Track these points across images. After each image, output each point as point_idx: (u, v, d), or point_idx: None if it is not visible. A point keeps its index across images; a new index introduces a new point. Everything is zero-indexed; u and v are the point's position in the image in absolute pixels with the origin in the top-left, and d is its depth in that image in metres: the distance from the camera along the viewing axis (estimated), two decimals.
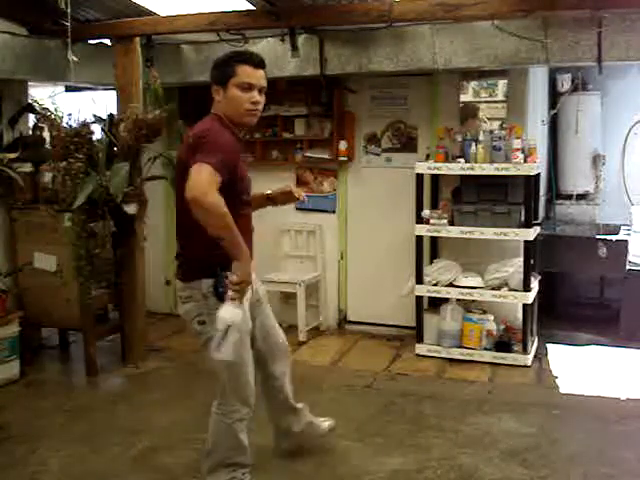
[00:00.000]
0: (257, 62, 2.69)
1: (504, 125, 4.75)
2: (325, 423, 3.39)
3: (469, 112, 4.96)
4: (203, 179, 2.42)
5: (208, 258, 2.62)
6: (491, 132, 4.70)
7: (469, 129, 4.80)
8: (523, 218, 4.59)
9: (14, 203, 4.75)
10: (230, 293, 2.54)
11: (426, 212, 4.81)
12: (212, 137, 2.59)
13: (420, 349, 4.91)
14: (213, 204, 2.41)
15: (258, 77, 2.68)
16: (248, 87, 2.66)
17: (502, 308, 4.87)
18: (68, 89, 6.40)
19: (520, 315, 4.73)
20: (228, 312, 2.54)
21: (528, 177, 4.55)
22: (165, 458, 3.44)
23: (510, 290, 4.68)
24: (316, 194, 5.50)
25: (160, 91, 4.74)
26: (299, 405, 3.27)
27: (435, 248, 5.17)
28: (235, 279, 2.53)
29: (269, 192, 3.14)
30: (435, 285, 4.82)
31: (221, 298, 2.60)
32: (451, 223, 4.77)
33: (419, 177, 4.83)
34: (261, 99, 2.70)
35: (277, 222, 5.61)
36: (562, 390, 4.30)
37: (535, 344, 4.95)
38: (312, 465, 3.34)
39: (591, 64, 4.34)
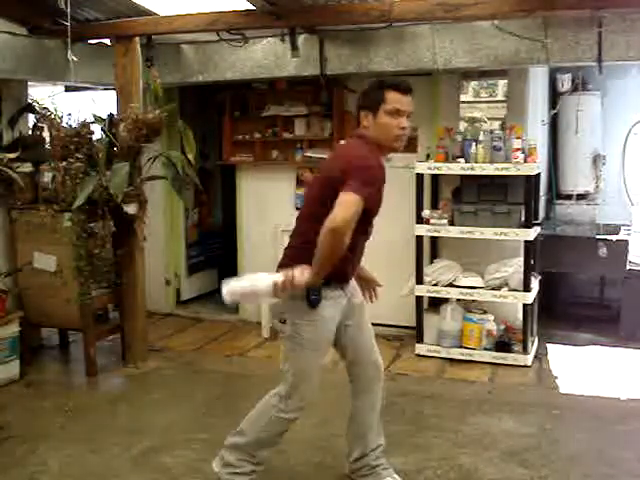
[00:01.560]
0: (405, 88, 2.72)
1: (504, 125, 4.75)
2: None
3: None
4: (349, 215, 2.51)
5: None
6: (491, 132, 4.69)
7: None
8: (523, 218, 4.59)
9: (14, 203, 4.75)
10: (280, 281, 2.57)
11: (426, 212, 4.81)
12: (369, 167, 2.64)
13: (420, 349, 4.91)
14: (344, 242, 2.53)
15: (406, 103, 2.71)
16: (397, 113, 2.68)
17: (502, 308, 4.87)
18: (68, 89, 6.40)
19: (520, 315, 4.73)
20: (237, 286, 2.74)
21: (528, 177, 4.55)
22: (165, 458, 3.44)
23: (510, 290, 4.68)
24: None
25: (160, 91, 4.74)
26: (372, 445, 3.05)
27: (435, 248, 5.17)
28: (294, 275, 2.55)
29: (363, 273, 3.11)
30: (435, 285, 4.82)
31: (312, 305, 2.69)
32: (451, 223, 4.77)
33: (419, 177, 4.83)
34: (408, 124, 2.73)
35: (277, 222, 5.61)
36: (562, 390, 4.30)
37: (535, 344, 4.95)
38: (312, 465, 3.34)
39: (591, 64, 4.34)
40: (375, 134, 2.72)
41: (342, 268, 2.73)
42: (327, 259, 2.55)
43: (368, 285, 3.11)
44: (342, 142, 3.23)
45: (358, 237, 2.68)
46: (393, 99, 2.68)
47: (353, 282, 2.96)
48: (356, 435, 3.06)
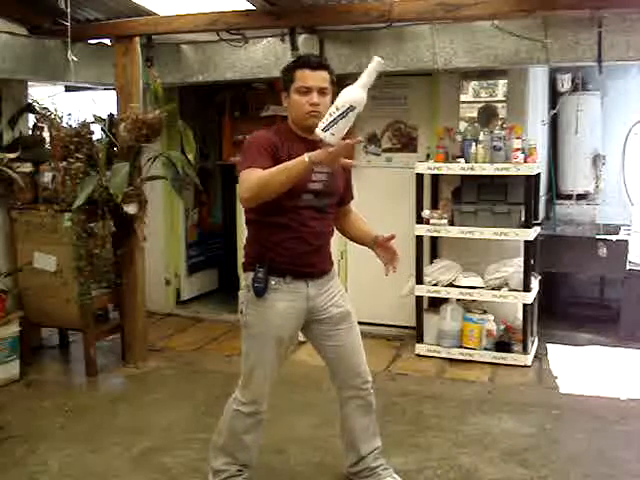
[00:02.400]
0: (314, 64, 2.70)
1: (504, 125, 4.75)
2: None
3: (490, 112, 4.93)
4: (244, 188, 2.54)
5: (253, 254, 2.76)
6: (491, 132, 4.70)
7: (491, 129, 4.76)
8: (523, 218, 4.59)
9: (14, 203, 4.75)
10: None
11: (426, 212, 4.81)
12: (251, 143, 2.66)
13: (420, 349, 4.91)
14: (252, 189, 2.51)
15: (316, 79, 2.67)
16: (306, 90, 2.66)
17: (502, 308, 4.87)
18: (68, 89, 6.40)
19: (520, 315, 4.73)
20: (353, 93, 2.56)
21: (528, 177, 4.55)
22: (165, 458, 3.44)
23: (510, 290, 4.68)
24: None
25: (160, 91, 4.74)
26: (366, 450, 3.00)
27: (435, 248, 5.17)
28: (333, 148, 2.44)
29: (377, 236, 2.98)
30: (435, 285, 4.82)
31: (257, 294, 2.67)
32: (451, 223, 4.77)
33: (419, 177, 4.83)
34: (321, 100, 2.66)
35: None
36: (562, 390, 4.30)
37: (535, 344, 4.95)
38: (312, 465, 3.34)
39: (591, 64, 4.33)
40: (291, 115, 2.73)
41: (292, 258, 2.67)
42: (262, 187, 2.50)
43: (385, 253, 2.96)
44: None
45: (292, 217, 2.64)
46: (301, 77, 2.66)
47: (332, 286, 2.85)
48: (347, 442, 3.05)
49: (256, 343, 2.77)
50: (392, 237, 2.90)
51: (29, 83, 5.23)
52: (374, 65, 2.47)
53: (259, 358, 2.78)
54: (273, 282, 2.68)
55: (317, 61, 2.73)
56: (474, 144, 4.66)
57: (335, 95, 2.60)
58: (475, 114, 4.96)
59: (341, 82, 5.56)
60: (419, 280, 4.84)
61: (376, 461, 3.02)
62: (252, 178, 2.51)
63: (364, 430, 2.99)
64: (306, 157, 2.43)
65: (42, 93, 5.98)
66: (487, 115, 4.91)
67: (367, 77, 2.49)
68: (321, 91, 2.68)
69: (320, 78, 2.68)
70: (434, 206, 5.00)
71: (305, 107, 2.65)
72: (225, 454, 2.91)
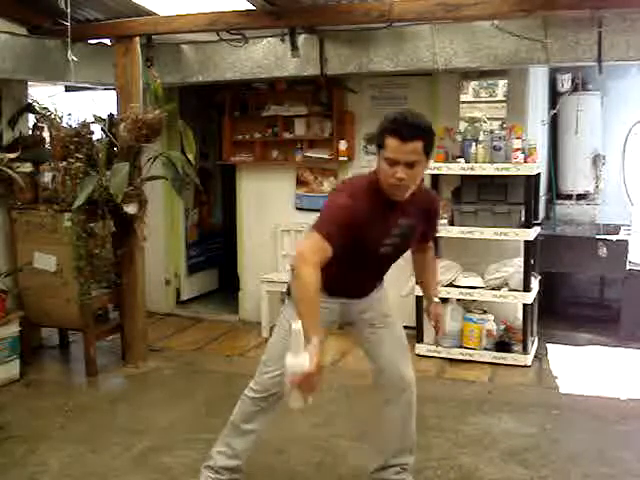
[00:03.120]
0: (406, 135, 2.40)
1: (504, 125, 4.75)
2: None
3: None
4: (303, 250, 2.44)
5: None
6: (491, 132, 4.70)
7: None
8: (523, 218, 4.59)
9: (14, 203, 4.75)
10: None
11: None
12: (334, 206, 2.53)
13: (420, 349, 4.91)
14: (303, 275, 2.37)
15: (405, 152, 2.41)
16: (392, 161, 2.44)
17: (502, 308, 4.87)
18: (68, 89, 6.40)
19: (520, 315, 4.73)
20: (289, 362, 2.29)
21: (528, 177, 4.55)
22: (165, 458, 3.44)
23: (510, 290, 4.68)
24: (316, 194, 5.51)
25: (160, 91, 4.74)
26: (392, 462, 2.92)
27: (435, 248, 5.15)
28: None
29: (433, 299, 3.10)
30: None
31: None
32: (451, 223, 4.77)
33: None
34: (407, 174, 2.44)
35: (277, 222, 5.61)
36: (562, 390, 4.30)
37: (535, 344, 4.95)
38: (312, 465, 3.34)
39: (591, 64, 4.34)
40: (379, 176, 2.56)
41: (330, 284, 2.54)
42: (300, 301, 2.39)
43: (431, 317, 3.13)
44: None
45: (348, 270, 2.63)
46: (390, 147, 2.43)
47: (367, 302, 2.92)
48: (374, 446, 3.01)
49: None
50: (437, 315, 3.09)
51: (29, 83, 5.23)
52: (296, 330, 2.27)
53: (270, 355, 2.87)
54: None
55: (410, 132, 2.41)
56: (474, 144, 4.66)
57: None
58: (475, 114, 4.95)
59: (341, 82, 5.61)
60: None
61: (399, 475, 2.90)
62: (313, 258, 2.36)
63: (395, 440, 2.89)
64: (316, 340, 2.27)
65: (42, 93, 5.97)
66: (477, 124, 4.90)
67: (295, 343, 2.29)
68: (409, 165, 2.44)
69: (410, 151, 2.41)
70: None
71: (389, 179, 2.48)
72: (222, 443, 2.94)
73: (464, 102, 4.95)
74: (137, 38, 4.70)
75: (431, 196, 2.90)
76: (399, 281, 5.08)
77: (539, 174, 4.84)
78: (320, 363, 2.27)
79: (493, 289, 4.72)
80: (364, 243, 2.57)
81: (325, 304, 2.62)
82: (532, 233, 4.63)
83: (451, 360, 4.78)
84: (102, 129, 4.65)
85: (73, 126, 4.56)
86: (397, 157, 2.43)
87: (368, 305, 2.90)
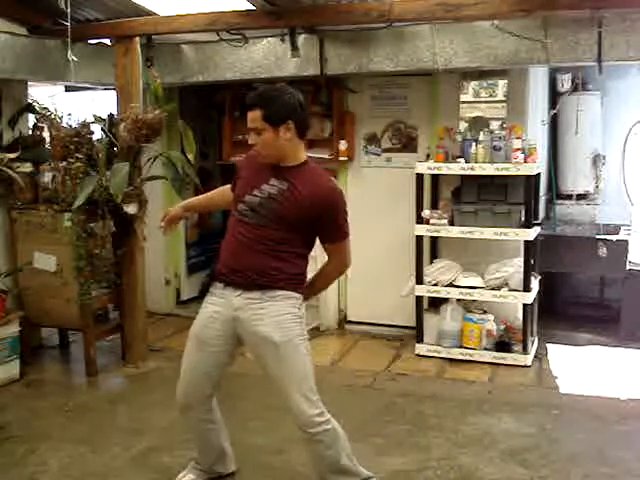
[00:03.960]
0: (247, 104, 2.68)
1: (504, 125, 4.75)
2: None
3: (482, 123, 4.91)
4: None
5: None
6: (491, 132, 4.70)
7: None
8: (523, 218, 4.59)
9: (14, 203, 4.75)
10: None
11: (426, 212, 4.81)
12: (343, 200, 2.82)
13: (420, 349, 4.91)
14: None
15: (250, 120, 2.67)
16: (249, 131, 2.71)
17: (502, 308, 4.87)
18: (68, 89, 6.40)
19: (520, 315, 4.73)
20: None
21: (528, 177, 4.55)
22: (165, 458, 3.44)
23: (510, 290, 4.68)
24: None
25: (160, 91, 4.74)
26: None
27: (435, 248, 5.17)
28: None
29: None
30: (435, 285, 4.82)
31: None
32: (451, 223, 4.77)
33: (419, 177, 4.83)
34: (256, 140, 2.68)
35: None
36: (562, 390, 4.30)
37: (535, 344, 4.94)
38: (312, 465, 3.34)
39: (591, 64, 4.33)
40: None
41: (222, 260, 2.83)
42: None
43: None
44: None
45: (231, 223, 2.83)
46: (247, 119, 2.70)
47: (266, 307, 2.73)
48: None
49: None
50: None
51: (29, 83, 5.23)
52: None
53: (185, 358, 3.01)
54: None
55: (249, 101, 2.68)
56: (474, 144, 4.66)
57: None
58: (475, 114, 4.95)
59: (341, 82, 5.61)
60: (419, 280, 4.84)
61: None
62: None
63: (315, 465, 2.89)
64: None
65: (42, 93, 5.97)
66: (478, 125, 4.89)
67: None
68: (255, 132, 2.67)
69: (251, 119, 2.66)
70: (434, 206, 5.00)
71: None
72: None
73: (464, 102, 4.95)
74: (137, 38, 4.70)
75: (322, 183, 2.76)
76: (399, 281, 5.10)
77: (539, 174, 4.84)
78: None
79: (493, 289, 4.71)
80: (235, 192, 2.84)
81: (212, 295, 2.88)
82: (532, 233, 4.62)
83: (451, 360, 4.78)
84: (102, 129, 4.65)
85: (73, 126, 4.56)
86: (248, 125, 2.68)
87: (245, 305, 2.74)
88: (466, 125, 4.89)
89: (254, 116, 2.64)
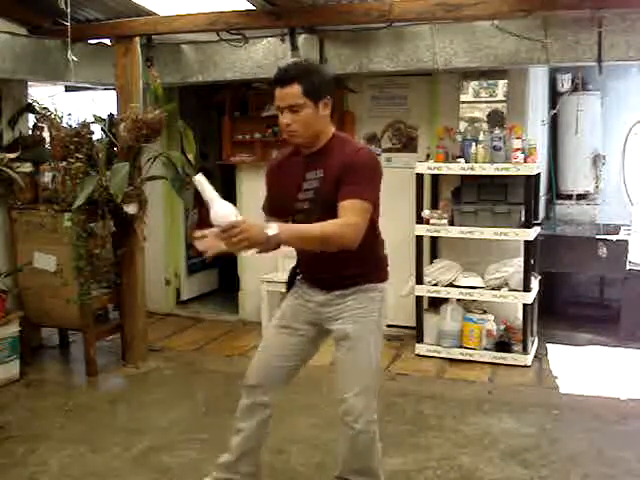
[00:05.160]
0: (278, 79, 2.46)
1: (504, 125, 4.75)
2: None
3: (498, 116, 4.88)
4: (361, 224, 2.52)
5: None
6: (491, 132, 4.70)
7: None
8: (523, 218, 4.59)
9: (14, 203, 4.75)
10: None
11: (426, 212, 4.81)
12: (377, 164, 2.58)
13: (420, 349, 4.91)
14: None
15: (284, 97, 2.44)
16: (280, 111, 2.48)
17: (502, 308, 4.87)
18: (68, 89, 6.40)
19: (520, 315, 4.73)
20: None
21: (528, 177, 4.55)
22: (165, 458, 3.44)
23: (510, 290, 4.68)
24: None
25: (160, 91, 4.74)
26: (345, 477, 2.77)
27: (435, 248, 5.17)
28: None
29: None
30: (435, 285, 4.82)
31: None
32: (451, 223, 4.77)
33: (419, 177, 4.83)
34: (292, 119, 2.45)
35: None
36: (562, 390, 4.30)
37: (535, 344, 4.95)
38: (312, 465, 3.34)
39: (591, 64, 4.34)
40: None
41: (302, 265, 2.75)
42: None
43: None
44: None
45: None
46: (275, 96, 2.48)
47: (327, 297, 2.65)
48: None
49: None
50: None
51: (29, 83, 5.24)
52: (197, 180, 2.48)
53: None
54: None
55: (280, 77, 2.46)
56: (474, 144, 4.66)
57: (317, 104, 2.46)
58: (475, 114, 4.95)
59: (341, 82, 5.60)
60: (419, 280, 4.84)
61: None
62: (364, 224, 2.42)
63: (344, 460, 2.72)
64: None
65: (42, 93, 5.97)
66: (495, 119, 4.86)
67: (207, 195, 2.42)
68: (291, 109, 2.45)
69: (286, 95, 2.44)
70: (434, 206, 5.00)
71: (282, 127, 2.51)
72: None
73: (464, 102, 4.95)
74: (137, 38, 4.70)
75: (351, 147, 2.54)
76: (399, 281, 5.09)
77: (539, 174, 4.84)
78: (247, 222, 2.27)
79: (493, 289, 4.71)
80: (281, 200, 2.65)
81: (295, 289, 2.75)
82: (532, 233, 4.62)
83: (451, 360, 4.78)
84: (102, 129, 4.65)
85: (73, 126, 4.56)
86: (279, 104, 2.47)
87: (331, 301, 2.65)
88: (466, 125, 4.87)
89: (292, 91, 2.41)
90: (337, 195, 2.42)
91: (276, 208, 2.70)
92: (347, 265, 2.56)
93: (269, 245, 2.33)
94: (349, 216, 2.38)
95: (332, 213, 2.41)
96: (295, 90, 2.42)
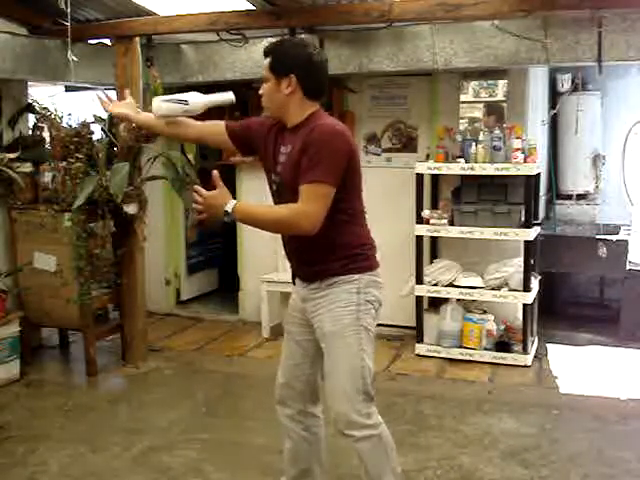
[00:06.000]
0: (263, 53, 2.52)
1: (504, 125, 4.75)
2: None
3: (498, 112, 4.88)
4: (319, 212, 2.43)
5: None
6: (491, 132, 4.70)
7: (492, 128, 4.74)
8: (523, 218, 4.59)
9: (14, 203, 4.75)
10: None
11: (426, 212, 4.81)
12: (340, 145, 2.46)
13: (420, 349, 4.91)
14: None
15: (263, 68, 2.51)
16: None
17: (502, 308, 4.87)
18: (68, 89, 6.40)
19: (520, 315, 4.73)
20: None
21: (528, 177, 4.55)
22: (165, 458, 3.44)
23: (510, 290, 4.68)
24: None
25: (160, 91, 4.73)
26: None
27: (435, 248, 5.17)
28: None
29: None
30: (435, 285, 4.82)
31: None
32: (451, 223, 4.77)
33: (419, 177, 4.83)
34: (263, 88, 2.50)
35: None
36: (562, 390, 4.30)
37: (535, 344, 4.95)
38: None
39: (591, 64, 4.34)
40: None
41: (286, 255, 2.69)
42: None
43: None
44: None
45: None
46: None
47: (322, 297, 2.49)
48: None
49: None
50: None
51: (29, 83, 5.23)
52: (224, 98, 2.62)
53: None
54: None
55: (265, 49, 2.52)
56: (474, 144, 4.66)
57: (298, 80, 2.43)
58: (475, 114, 4.95)
59: (341, 82, 5.60)
60: (419, 280, 4.84)
61: None
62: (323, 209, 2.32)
63: (363, 474, 2.52)
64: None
65: (42, 93, 5.97)
66: (495, 115, 4.86)
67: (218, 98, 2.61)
68: (264, 80, 2.50)
69: (263, 68, 2.50)
70: (434, 206, 5.00)
71: None
72: None
73: (464, 102, 4.95)
74: (137, 38, 4.70)
75: (317, 124, 2.39)
76: (399, 281, 5.09)
77: (539, 174, 4.84)
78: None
79: (493, 289, 4.71)
80: (263, 164, 2.66)
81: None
82: (532, 233, 4.62)
83: (451, 360, 4.78)
84: (102, 129, 4.65)
85: (73, 126, 4.56)
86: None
87: (310, 296, 2.52)
88: (466, 125, 4.87)
89: (264, 64, 2.49)
90: (297, 172, 2.34)
91: (236, 133, 2.73)
92: (314, 255, 2.45)
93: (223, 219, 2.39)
94: (305, 202, 2.30)
95: (296, 191, 2.35)
96: (266, 63, 2.48)
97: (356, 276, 2.44)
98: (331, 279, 2.44)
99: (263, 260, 5.71)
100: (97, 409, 4.11)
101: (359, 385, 2.41)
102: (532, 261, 4.72)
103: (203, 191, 2.39)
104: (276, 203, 2.57)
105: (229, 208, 2.38)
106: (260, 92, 2.53)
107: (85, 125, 4.56)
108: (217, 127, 2.81)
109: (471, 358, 4.74)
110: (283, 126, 2.54)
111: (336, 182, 2.32)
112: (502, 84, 4.84)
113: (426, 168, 4.81)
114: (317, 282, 2.47)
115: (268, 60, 2.47)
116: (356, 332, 2.42)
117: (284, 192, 2.47)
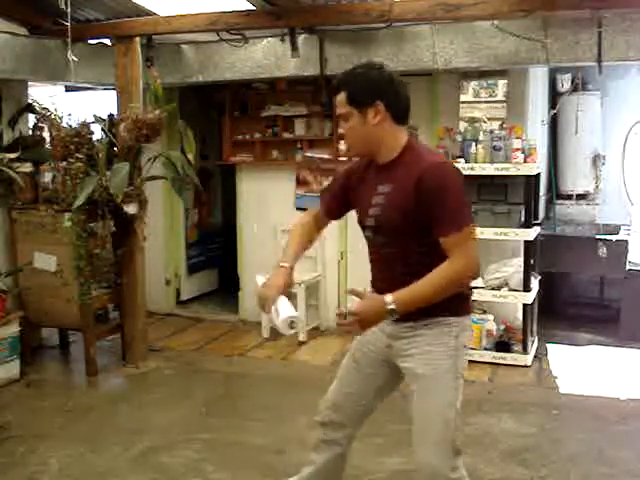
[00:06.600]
0: (335, 88, 2.30)
1: (504, 125, 4.75)
2: None
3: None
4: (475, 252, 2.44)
5: None
6: (491, 132, 4.70)
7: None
8: (523, 218, 4.59)
9: (14, 203, 4.75)
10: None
11: None
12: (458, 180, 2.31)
13: None
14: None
15: (337, 106, 2.30)
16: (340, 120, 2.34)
17: (502, 308, 4.87)
18: (68, 89, 6.41)
19: (520, 315, 4.73)
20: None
21: (528, 177, 4.55)
22: (165, 458, 3.44)
23: (510, 290, 4.68)
24: (316, 194, 5.50)
25: (160, 91, 4.74)
26: None
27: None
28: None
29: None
30: None
31: None
32: None
33: None
34: (344, 129, 2.31)
35: (277, 222, 5.61)
36: (562, 390, 4.30)
37: (535, 344, 4.94)
38: None
39: (591, 64, 4.34)
40: None
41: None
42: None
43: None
44: None
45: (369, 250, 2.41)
46: None
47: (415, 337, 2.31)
48: None
49: None
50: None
51: (29, 83, 5.24)
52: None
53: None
54: None
55: (336, 84, 2.30)
56: (474, 144, 4.66)
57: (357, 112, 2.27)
58: (475, 114, 4.95)
59: None
60: None
61: None
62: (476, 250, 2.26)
63: None
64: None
65: (42, 93, 5.98)
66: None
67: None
68: (343, 119, 2.29)
69: (338, 103, 2.29)
70: None
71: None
72: None
73: (464, 102, 4.95)
74: (137, 38, 4.70)
75: (424, 160, 2.24)
76: None
77: (539, 174, 4.84)
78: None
79: (493, 289, 4.71)
80: (357, 211, 2.42)
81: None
82: (532, 233, 4.62)
83: None
84: (102, 129, 4.65)
85: (73, 126, 4.56)
86: (337, 112, 2.33)
87: (400, 334, 2.33)
88: (466, 125, 4.87)
89: (339, 100, 2.27)
90: (403, 214, 2.20)
91: (335, 211, 2.52)
92: None
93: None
94: (460, 252, 2.25)
95: (403, 239, 2.24)
96: (341, 98, 2.27)
97: (457, 319, 2.31)
98: (428, 319, 2.27)
99: (263, 260, 5.71)
100: (97, 409, 4.11)
101: (449, 437, 2.31)
102: (532, 261, 4.72)
103: (352, 309, 2.13)
104: (373, 250, 2.39)
105: (392, 305, 2.12)
106: (342, 131, 2.35)
107: (85, 125, 4.56)
108: (324, 219, 2.58)
109: (471, 358, 4.71)
110: (372, 164, 2.36)
111: (472, 217, 2.31)
112: (502, 84, 4.84)
113: None
114: (412, 321, 2.27)
115: (343, 94, 2.25)
116: (454, 379, 2.30)
117: (380, 234, 2.30)
